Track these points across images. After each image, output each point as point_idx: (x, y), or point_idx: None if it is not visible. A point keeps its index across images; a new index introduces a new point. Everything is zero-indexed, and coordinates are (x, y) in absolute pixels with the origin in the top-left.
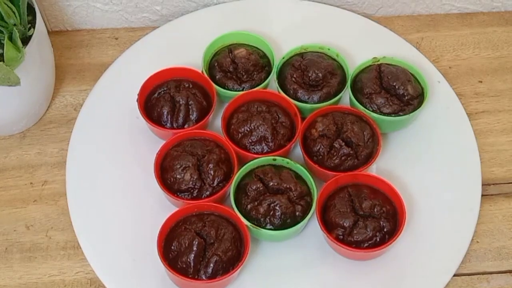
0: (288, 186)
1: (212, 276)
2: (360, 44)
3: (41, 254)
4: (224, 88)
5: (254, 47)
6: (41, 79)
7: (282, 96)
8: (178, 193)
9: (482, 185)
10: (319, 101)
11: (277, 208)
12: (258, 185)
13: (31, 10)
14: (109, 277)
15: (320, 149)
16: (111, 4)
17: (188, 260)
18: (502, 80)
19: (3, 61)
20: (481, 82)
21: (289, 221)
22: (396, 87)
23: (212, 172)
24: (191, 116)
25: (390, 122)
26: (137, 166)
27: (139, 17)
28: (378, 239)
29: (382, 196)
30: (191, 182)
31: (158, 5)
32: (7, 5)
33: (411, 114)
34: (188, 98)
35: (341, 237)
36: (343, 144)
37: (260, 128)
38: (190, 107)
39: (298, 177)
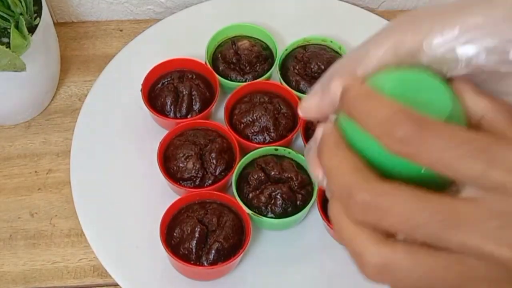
0: (289, 175)
1: (214, 263)
2: (362, 37)
3: (45, 241)
4: (227, 79)
5: (257, 39)
6: (47, 68)
7: (284, 87)
8: (181, 182)
9: None
10: None
11: (278, 197)
12: (260, 174)
13: (37, 1)
14: (112, 263)
15: None
16: None
17: (190, 246)
18: None
19: (10, 49)
20: None
21: (290, 209)
22: None
23: (214, 161)
24: (194, 107)
25: None
26: (141, 155)
27: (143, 9)
28: None
29: None
30: (193, 171)
31: None
32: None
33: None
34: (191, 88)
35: None
36: None
37: (262, 118)
38: (193, 97)
39: (300, 167)
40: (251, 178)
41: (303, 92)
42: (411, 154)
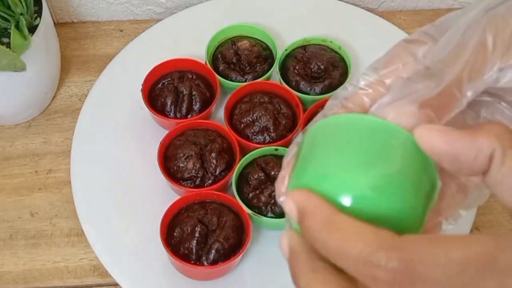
0: None
1: (214, 263)
2: (362, 38)
3: (45, 241)
4: (227, 79)
5: (257, 39)
6: (47, 68)
7: (284, 87)
8: (181, 181)
9: None
10: (321, 93)
11: None
12: (260, 174)
13: (37, 1)
14: (113, 263)
15: None
16: None
17: (190, 246)
18: None
19: (10, 49)
20: None
21: None
22: None
23: (214, 161)
24: (194, 107)
25: None
26: (141, 155)
27: (144, 10)
28: None
29: None
30: (193, 171)
31: None
32: None
33: None
34: (191, 88)
35: None
36: None
37: (262, 118)
38: (193, 97)
39: None
40: (251, 178)
41: (303, 92)
42: None
